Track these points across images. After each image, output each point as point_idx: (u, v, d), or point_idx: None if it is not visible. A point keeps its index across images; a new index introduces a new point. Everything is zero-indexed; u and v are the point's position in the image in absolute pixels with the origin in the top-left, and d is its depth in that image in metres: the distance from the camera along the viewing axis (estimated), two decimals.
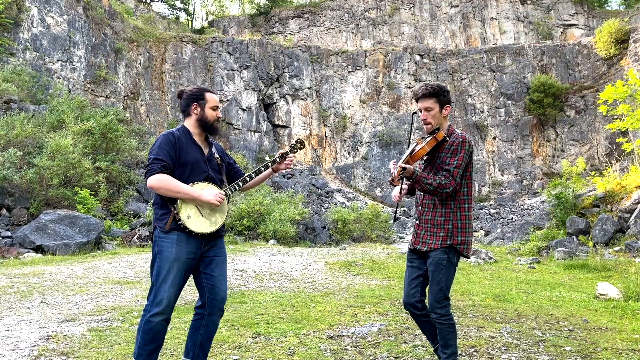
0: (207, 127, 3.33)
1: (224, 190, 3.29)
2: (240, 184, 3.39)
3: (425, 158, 3.56)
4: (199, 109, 3.29)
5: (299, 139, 3.77)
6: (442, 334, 3.42)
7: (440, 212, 3.46)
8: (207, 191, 3.16)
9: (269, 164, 3.50)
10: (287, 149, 3.61)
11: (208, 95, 3.31)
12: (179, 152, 3.18)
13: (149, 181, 3.08)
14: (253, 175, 3.46)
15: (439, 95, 3.45)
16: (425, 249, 3.48)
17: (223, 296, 3.26)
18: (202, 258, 3.26)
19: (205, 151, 3.35)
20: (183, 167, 3.19)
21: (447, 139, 3.40)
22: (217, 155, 3.43)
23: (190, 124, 3.33)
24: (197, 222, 3.15)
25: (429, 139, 3.43)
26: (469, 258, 3.78)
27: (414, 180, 3.35)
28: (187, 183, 3.17)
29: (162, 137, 3.21)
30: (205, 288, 3.25)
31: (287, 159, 3.54)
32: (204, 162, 3.29)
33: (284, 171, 3.63)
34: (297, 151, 3.67)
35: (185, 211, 3.13)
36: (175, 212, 3.12)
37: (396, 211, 3.89)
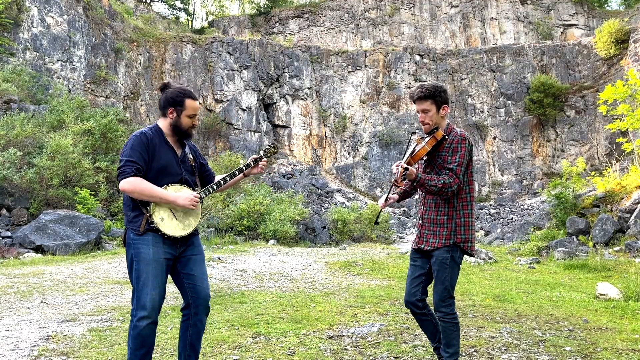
0: (180, 133, 3.24)
1: (199, 194, 3.24)
2: (215, 187, 3.36)
3: (425, 158, 3.57)
4: (174, 114, 3.19)
5: (273, 143, 3.80)
6: (446, 332, 3.43)
7: (443, 211, 3.47)
8: (182, 195, 3.11)
9: (243, 168, 3.48)
10: (261, 153, 3.59)
11: (188, 102, 3.19)
12: (152, 154, 3.10)
13: (121, 184, 3.01)
14: (227, 178, 3.42)
15: (435, 96, 3.46)
16: (429, 248, 3.49)
17: (206, 293, 3.23)
18: (178, 259, 3.21)
19: (179, 152, 3.27)
20: (156, 170, 3.12)
21: (447, 137, 3.42)
22: (190, 156, 3.37)
23: (164, 125, 3.24)
24: (171, 225, 3.11)
25: (428, 138, 3.44)
26: (473, 256, 3.79)
27: (418, 183, 3.36)
28: (161, 185, 3.09)
29: (134, 137, 3.11)
30: (187, 288, 3.21)
31: (259, 164, 3.52)
32: (177, 164, 3.22)
33: (255, 174, 3.62)
34: (270, 156, 3.68)
35: (158, 214, 3.08)
36: (148, 214, 3.07)
37: (378, 216, 4.05)
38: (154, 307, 3.02)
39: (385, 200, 3.67)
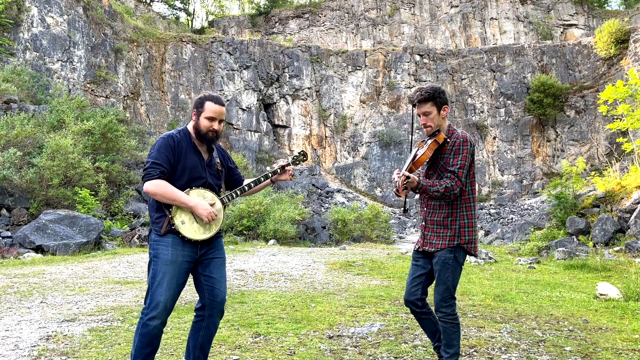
0: (199, 136, 3.28)
1: (221, 199, 3.28)
2: (239, 192, 3.40)
3: (427, 162, 3.55)
4: (196, 117, 3.27)
5: (302, 150, 3.74)
6: (447, 333, 3.42)
7: (446, 213, 3.46)
8: (202, 204, 3.13)
9: (269, 175, 3.50)
10: (289, 160, 3.59)
11: (207, 104, 3.23)
12: (178, 157, 3.16)
13: (146, 186, 3.07)
14: (252, 185, 3.45)
15: (435, 97, 3.44)
16: (432, 249, 3.48)
17: (222, 297, 3.26)
18: (200, 260, 3.24)
19: (205, 156, 3.32)
20: (181, 172, 3.17)
21: (448, 140, 3.39)
22: (217, 160, 3.40)
23: (191, 127, 3.32)
24: (191, 229, 3.14)
25: (430, 142, 3.40)
26: (477, 256, 3.78)
27: (420, 190, 3.33)
28: (185, 189, 3.14)
29: (162, 140, 3.17)
30: (205, 290, 3.24)
31: (287, 170, 3.52)
32: (203, 168, 3.26)
33: (282, 181, 3.61)
34: (299, 163, 3.65)
35: (179, 217, 3.12)
36: (169, 216, 3.11)
37: (405, 202, 3.63)
38: (166, 308, 3.06)
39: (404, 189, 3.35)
